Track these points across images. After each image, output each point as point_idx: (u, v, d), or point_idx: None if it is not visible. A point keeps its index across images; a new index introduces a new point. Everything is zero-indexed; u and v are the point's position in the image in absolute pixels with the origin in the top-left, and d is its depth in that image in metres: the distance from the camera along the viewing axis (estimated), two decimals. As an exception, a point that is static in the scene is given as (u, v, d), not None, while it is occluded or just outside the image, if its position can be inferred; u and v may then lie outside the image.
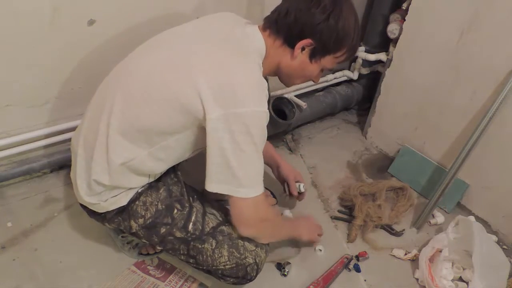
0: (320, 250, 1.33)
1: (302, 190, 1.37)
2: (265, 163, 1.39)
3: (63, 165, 1.48)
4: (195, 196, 1.08)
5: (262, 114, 0.87)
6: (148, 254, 1.23)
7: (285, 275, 1.24)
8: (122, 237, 1.20)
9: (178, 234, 1.00)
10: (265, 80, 0.90)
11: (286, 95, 1.75)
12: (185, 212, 1.01)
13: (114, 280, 1.16)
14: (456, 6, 1.39)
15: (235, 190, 0.89)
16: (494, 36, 1.31)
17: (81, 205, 1.05)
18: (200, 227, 1.01)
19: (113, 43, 1.31)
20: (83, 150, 0.97)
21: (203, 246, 1.00)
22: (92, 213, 1.05)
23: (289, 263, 1.26)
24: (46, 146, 1.40)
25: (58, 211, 1.35)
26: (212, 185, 0.89)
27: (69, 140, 1.40)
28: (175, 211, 1.01)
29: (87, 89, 1.33)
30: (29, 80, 1.26)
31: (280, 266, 1.25)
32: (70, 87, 1.34)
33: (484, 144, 1.38)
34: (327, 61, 1.00)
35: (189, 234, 1.00)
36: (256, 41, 0.95)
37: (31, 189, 1.41)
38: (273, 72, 1.04)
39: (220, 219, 1.05)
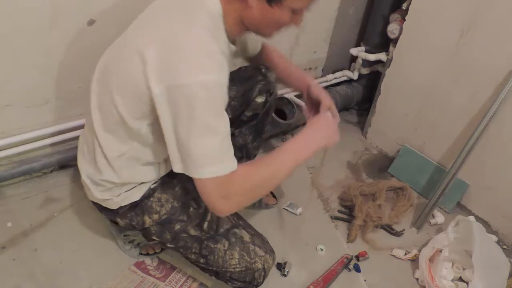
0: (322, 250, 1.33)
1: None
2: (293, 87, 1.22)
3: (63, 165, 1.47)
4: None
5: (208, 83, 0.75)
6: (148, 254, 1.23)
7: (285, 275, 1.24)
8: (125, 235, 1.20)
9: (192, 232, 1.00)
10: (214, 45, 0.79)
11: (286, 95, 1.75)
12: (200, 211, 1.01)
13: (114, 280, 1.16)
14: (456, 6, 1.39)
15: (188, 170, 0.80)
16: (494, 36, 1.32)
17: (92, 201, 1.06)
18: (215, 227, 1.00)
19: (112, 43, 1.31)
20: (87, 153, 0.99)
21: (215, 246, 0.99)
22: (103, 208, 1.04)
23: (289, 263, 1.26)
24: (45, 146, 1.40)
25: (58, 211, 1.34)
26: (174, 166, 0.82)
27: (69, 140, 1.42)
28: (191, 209, 1.01)
29: (86, 89, 1.31)
30: (29, 80, 1.26)
31: (280, 266, 1.25)
32: (70, 87, 1.34)
33: (484, 144, 1.38)
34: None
35: (203, 233, 1.00)
36: (206, 2, 0.84)
37: (31, 189, 1.41)
38: (242, 30, 0.92)
39: (233, 221, 1.04)
